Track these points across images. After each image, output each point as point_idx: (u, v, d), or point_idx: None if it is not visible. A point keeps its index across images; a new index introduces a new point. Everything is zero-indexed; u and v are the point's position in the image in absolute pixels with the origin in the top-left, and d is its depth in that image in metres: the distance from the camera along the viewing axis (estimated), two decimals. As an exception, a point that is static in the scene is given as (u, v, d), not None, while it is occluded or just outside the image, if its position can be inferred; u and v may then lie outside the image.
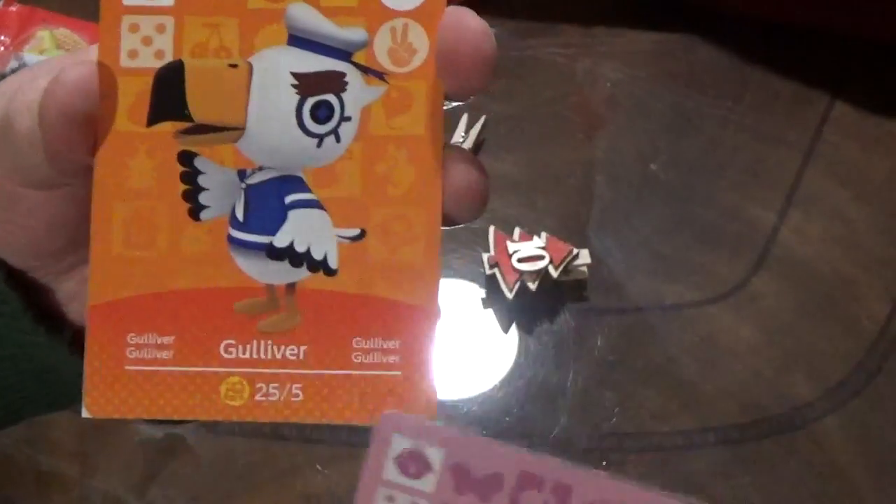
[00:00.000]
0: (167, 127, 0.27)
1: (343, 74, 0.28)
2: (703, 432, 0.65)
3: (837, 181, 0.74)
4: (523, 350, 0.68)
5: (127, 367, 0.27)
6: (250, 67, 0.27)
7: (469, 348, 0.68)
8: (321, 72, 0.27)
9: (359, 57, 0.28)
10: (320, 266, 0.27)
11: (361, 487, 0.23)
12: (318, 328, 0.27)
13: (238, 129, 0.27)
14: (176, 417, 0.27)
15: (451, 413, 0.65)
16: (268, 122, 0.27)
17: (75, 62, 0.27)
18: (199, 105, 0.27)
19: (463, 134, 0.73)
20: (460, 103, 0.70)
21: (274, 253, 0.27)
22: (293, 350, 0.27)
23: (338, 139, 0.28)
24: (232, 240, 0.28)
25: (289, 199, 0.28)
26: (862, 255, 0.71)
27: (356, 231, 0.28)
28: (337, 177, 0.28)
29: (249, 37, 0.27)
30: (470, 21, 0.27)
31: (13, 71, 0.30)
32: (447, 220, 0.28)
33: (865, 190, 0.73)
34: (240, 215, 0.28)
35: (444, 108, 0.28)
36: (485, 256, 0.68)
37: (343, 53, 0.28)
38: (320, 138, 0.28)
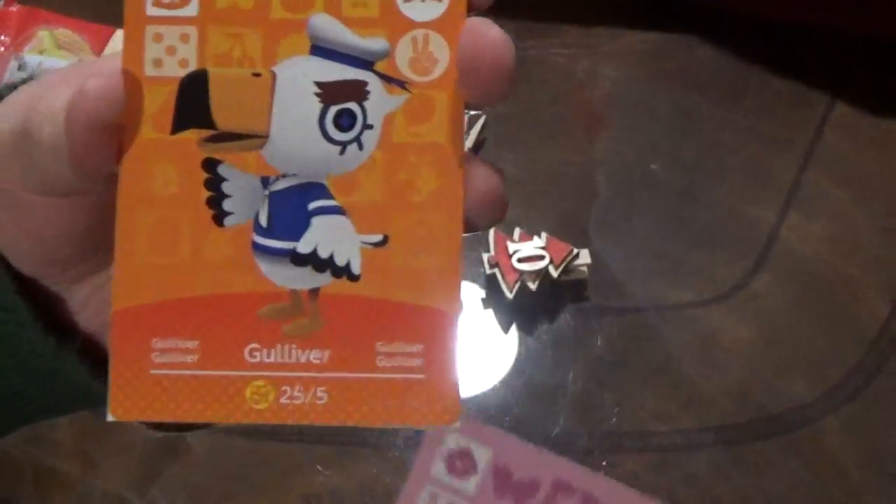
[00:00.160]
0: (191, 135, 0.28)
1: (365, 83, 0.28)
2: (703, 432, 0.65)
3: (837, 181, 0.74)
4: (523, 350, 0.68)
5: (152, 372, 0.27)
6: (273, 76, 0.28)
7: (469, 348, 0.68)
8: (344, 80, 0.28)
9: (380, 66, 0.28)
10: (343, 271, 0.28)
11: (409, 484, 0.24)
12: (341, 332, 0.28)
13: (262, 137, 0.28)
14: (201, 420, 0.28)
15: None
16: (291, 130, 0.28)
17: (98, 71, 0.27)
18: (224, 113, 0.28)
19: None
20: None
21: (298, 259, 0.28)
22: (317, 354, 0.28)
23: (360, 147, 0.28)
24: (256, 246, 0.28)
25: (312, 205, 0.28)
26: (862, 255, 0.71)
27: (379, 237, 0.28)
28: (359, 184, 0.28)
29: (272, 46, 0.28)
30: (490, 31, 0.27)
31: (24, 80, 0.30)
32: (468, 226, 0.28)
33: (865, 190, 0.73)
34: (263, 222, 0.28)
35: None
36: (485, 256, 0.68)
37: (365, 63, 0.28)
38: (343, 146, 0.28)
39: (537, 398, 0.66)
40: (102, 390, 0.32)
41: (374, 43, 0.28)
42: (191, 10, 0.28)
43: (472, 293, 0.69)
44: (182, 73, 0.28)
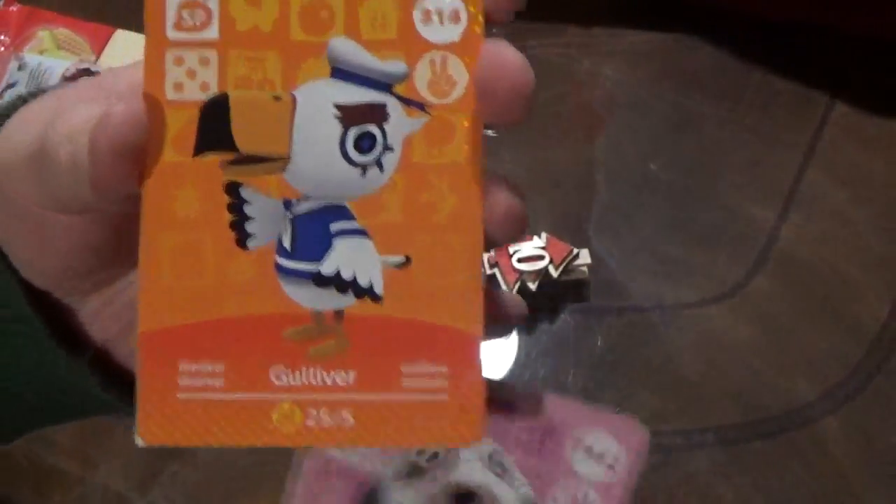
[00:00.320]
0: (213, 158, 0.28)
1: (384, 106, 0.28)
2: (703, 432, 0.65)
3: (837, 181, 0.74)
4: (523, 350, 0.68)
5: (179, 395, 0.27)
6: (294, 99, 0.28)
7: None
8: (363, 103, 0.28)
9: (399, 89, 0.28)
10: (366, 292, 0.28)
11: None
12: (366, 354, 0.28)
13: (283, 160, 0.28)
14: (228, 444, 0.28)
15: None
16: (312, 153, 0.28)
17: (119, 92, 0.28)
18: (245, 136, 0.28)
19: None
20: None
21: (321, 281, 0.28)
22: (343, 376, 0.28)
23: (381, 168, 0.28)
24: (279, 268, 0.28)
25: (334, 227, 0.28)
26: (862, 255, 0.71)
27: (401, 258, 0.28)
28: (381, 205, 0.28)
29: (292, 70, 0.28)
30: (508, 54, 0.27)
31: (31, 93, 0.30)
32: (489, 244, 0.28)
33: (865, 190, 0.73)
34: (286, 244, 0.28)
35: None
36: (485, 256, 0.68)
37: (384, 85, 0.28)
38: (364, 168, 0.28)
39: (537, 398, 0.66)
40: (112, 400, 0.32)
41: (392, 66, 0.28)
42: (211, 33, 0.28)
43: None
44: (203, 96, 0.28)
